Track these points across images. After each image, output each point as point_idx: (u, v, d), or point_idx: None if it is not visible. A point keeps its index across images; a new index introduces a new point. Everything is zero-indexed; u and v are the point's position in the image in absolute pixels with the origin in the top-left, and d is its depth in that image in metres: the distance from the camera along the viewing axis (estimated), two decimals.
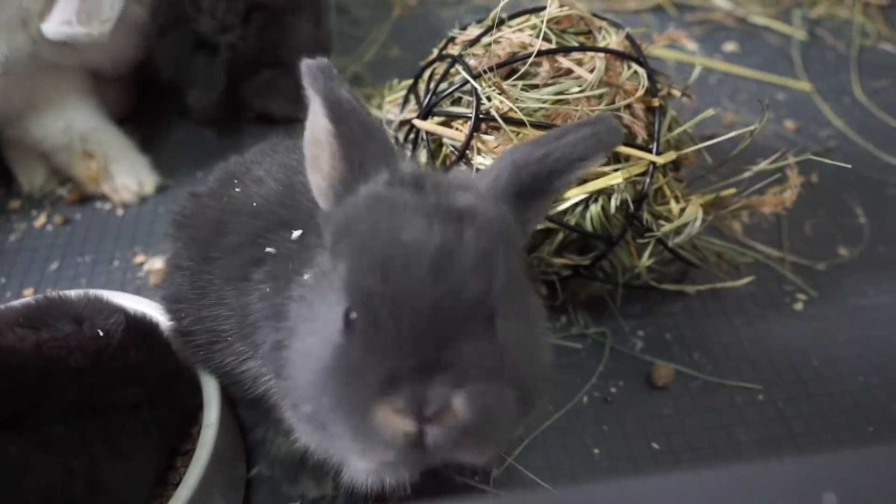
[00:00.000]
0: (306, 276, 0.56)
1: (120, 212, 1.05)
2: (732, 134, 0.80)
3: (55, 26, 0.91)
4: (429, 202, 0.49)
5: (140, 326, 0.64)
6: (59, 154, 1.06)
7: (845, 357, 0.86)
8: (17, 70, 0.96)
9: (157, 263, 0.95)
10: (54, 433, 0.58)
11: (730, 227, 0.94)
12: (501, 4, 0.79)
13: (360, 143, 0.53)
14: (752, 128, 0.79)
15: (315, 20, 1.25)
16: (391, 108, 0.88)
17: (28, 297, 0.67)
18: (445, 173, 0.57)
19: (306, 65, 0.54)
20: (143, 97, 1.20)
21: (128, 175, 1.07)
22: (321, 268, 0.53)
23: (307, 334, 0.52)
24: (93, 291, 0.67)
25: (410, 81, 0.87)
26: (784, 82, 1.27)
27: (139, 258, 0.97)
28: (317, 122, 0.54)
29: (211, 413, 0.66)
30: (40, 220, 1.04)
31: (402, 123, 0.83)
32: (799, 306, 0.91)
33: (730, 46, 1.36)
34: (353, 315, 0.47)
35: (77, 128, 1.05)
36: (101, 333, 0.60)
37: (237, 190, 0.67)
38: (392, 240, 0.47)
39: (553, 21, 0.81)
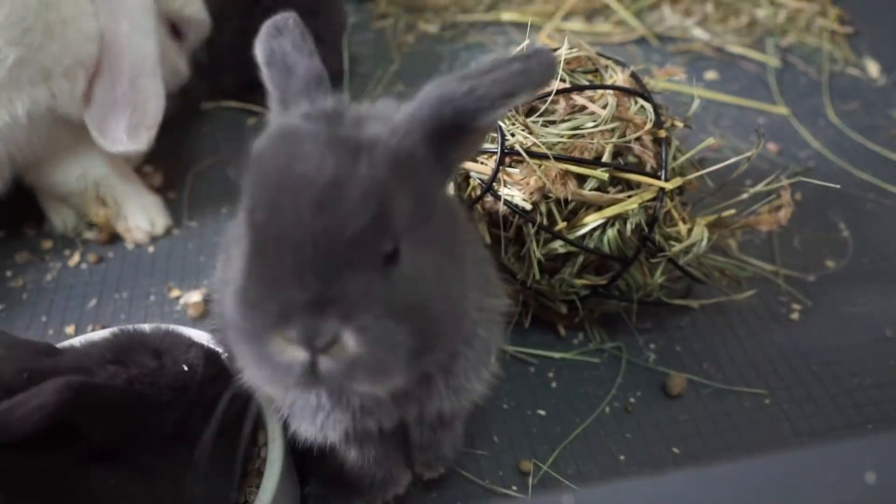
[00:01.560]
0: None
1: (151, 249, 1.09)
2: (732, 160, 0.88)
3: (107, 145, 0.97)
4: (332, 133, 0.48)
5: (213, 358, 0.69)
6: (73, 198, 1.10)
7: (840, 360, 0.94)
8: (39, 122, 0.99)
9: (193, 297, 1.00)
10: (145, 463, 0.62)
11: (727, 245, 1.02)
12: (518, 49, 0.86)
13: (283, 79, 0.55)
14: (749, 154, 0.88)
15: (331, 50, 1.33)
16: None
17: (103, 331, 0.71)
18: (371, 106, 0.56)
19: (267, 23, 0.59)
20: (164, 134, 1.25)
21: (140, 216, 1.10)
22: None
23: (229, 269, 0.55)
24: (164, 325, 0.71)
25: None
26: (763, 107, 1.37)
27: (174, 292, 1.02)
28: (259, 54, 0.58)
29: (274, 431, 0.71)
30: (74, 259, 1.08)
31: None
32: (795, 315, 0.99)
33: (710, 75, 1.46)
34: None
35: (92, 174, 1.09)
36: (186, 368, 0.65)
37: None
38: (285, 171, 0.47)
39: (564, 62, 0.88)
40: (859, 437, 0.84)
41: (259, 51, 0.58)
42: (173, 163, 1.22)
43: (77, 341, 0.73)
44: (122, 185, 1.10)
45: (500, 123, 0.82)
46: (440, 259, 0.52)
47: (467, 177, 0.86)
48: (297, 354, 0.47)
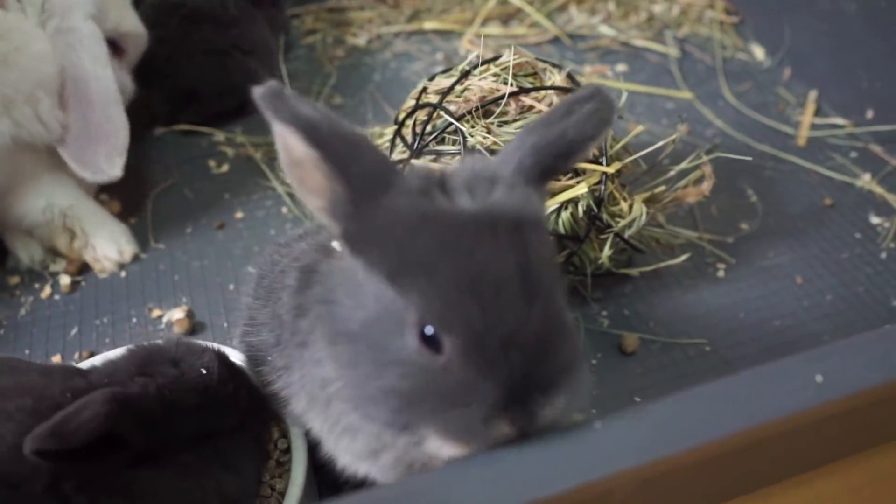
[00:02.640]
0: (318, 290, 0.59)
1: (123, 274, 1.12)
2: (660, 143, 1.01)
3: (90, 176, 1.01)
4: (478, 210, 0.50)
5: (224, 359, 0.75)
6: (39, 230, 1.12)
7: (763, 307, 1.09)
8: (3, 154, 1.01)
9: (176, 314, 1.04)
10: (186, 461, 0.68)
11: (658, 218, 1.16)
12: (469, 58, 0.96)
13: (351, 158, 0.51)
14: (674, 136, 1.01)
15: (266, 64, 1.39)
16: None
17: (119, 349, 0.75)
18: (462, 167, 0.56)
19: (259, 94, 0.51)
20: None
21: (108, 245, 1.13)
22: (356, 284, 0.53)
23: (361, 353, 0.52)
24: (175, 336, 0.77)
25: (392, 128, 1.02)
26: (669, 93, 1.52)
27: (156, 312, 1.06)
28: (294, 149, 0.52)
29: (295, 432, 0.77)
30: (45, 291, 1.09)
31: (398, 162, 0.98)
32: (721, 273, 1.14)
33: (620, 67, 1.60)
34: (431, 332, 0.49)
35: (58, 204, 1.10)
36: (204, 371, 0.71)
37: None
38: (468, 261, 0.48)
39: (508, 67, 0.99)
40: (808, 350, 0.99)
41: (291, 127, 0.51)
42: (129, 189, 1.25)
43: (97, 360, 0.77)
44: (89, 215, 1.12)
45: (461, 126, 0.91)
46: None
47: None
48: (511, 432, 0.49)
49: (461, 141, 0.91)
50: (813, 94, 1.47)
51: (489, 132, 0.90)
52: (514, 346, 0.48)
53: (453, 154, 0.92)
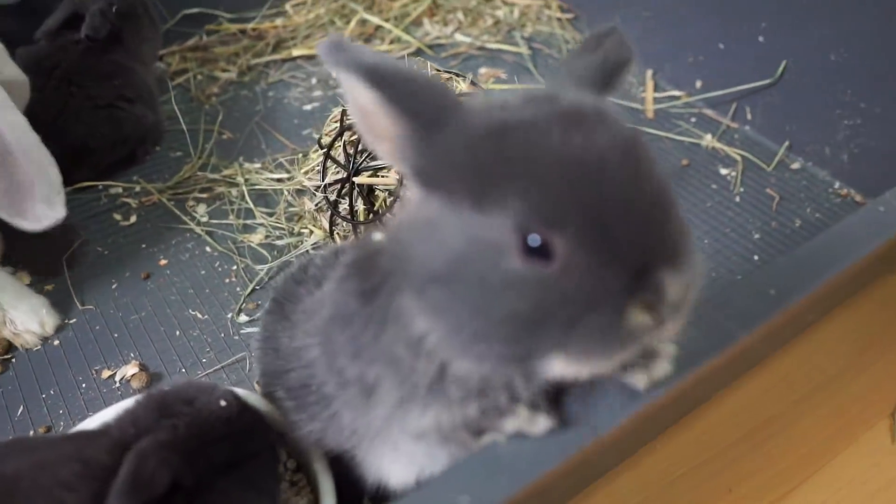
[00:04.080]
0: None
1: (56, 342, 1.08)
2: None
3: (33, 226, 0.96)
4: (557, 106, 0.48)
5: (234, 394, 0.78)
6: None
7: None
8: None
9: (129, 370, 1.02)
10: (224, 489, 0.71)
11: None
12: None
13: (412, 93, 0.50)
14: None
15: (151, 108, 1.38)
16: (312, 175, 1.08)
17: (124, 402, 0.75)
18: (515, 94, 0.53)
19: (324, 48, 0.51)
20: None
21: (29, 319, 1.08)
22: (432, 228, 0.51)
23: (453, 278, 0.49)
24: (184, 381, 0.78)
25: (320, 153, 1.07)
26: (531, 88, 1.68)
27: (106, 373, 1.03)
28: (359, 96, 0.51)
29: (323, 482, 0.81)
30: None
31: (332, 184, 1.04)
32: None
33: (483, 70, 1.74)
34: (536, 241, 0.46)
35: None
36: (224, 403, 0.74)
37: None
38: (562, 150, 0.46)
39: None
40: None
41: (351, 73, 0.51)
42: (35, 256, 1.20)
43: (101, 418, 0.77)
44: (4, 291, 1.07)
45: None
46: None
47: (372, 190, 1.02)
48: (643, 321, 0.47)
49: None
50: (650, 73, 1.69)
51: None
52: (630, 222, 0.45)
53: (387, 167, 0.99)
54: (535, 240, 0.46)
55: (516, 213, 0.46)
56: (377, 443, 0.66)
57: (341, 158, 1.03)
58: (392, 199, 0.99)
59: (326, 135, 1.07)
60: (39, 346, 1.08)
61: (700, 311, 0.51)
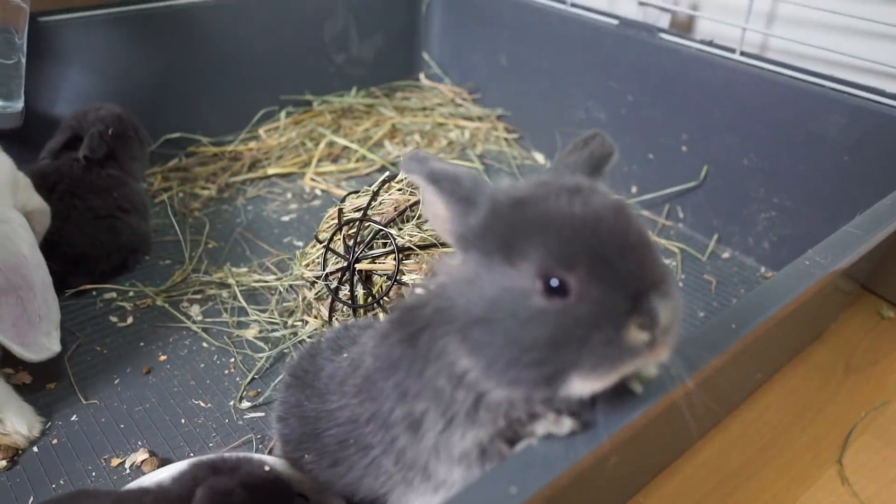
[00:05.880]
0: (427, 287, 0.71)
1: (55, 440, 1.11)
2: None
3: (34, 357, 1.02)
4: (562, 182, 0.63)
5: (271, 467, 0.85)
6: None
7: None
8: None
9: (139, 456, 1.06)
10: None
11: None
12: (379, 180, 1.18)
13: (456, 186, 0.65)
14: None
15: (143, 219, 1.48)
16: (312, 267, 1.19)
17: (174, 465, 0.80)
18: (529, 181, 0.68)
19: (407, 159, 0.69)
20: None
21: (18, 420, 1.10)
22: (470, 281, 0.63)
23: (488, 320, 0.60)
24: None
25: (319, 246, 1.19)
26: None
27: (115, 461, 1.07)
28: (424, 191, 0.67)
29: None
30: None
31: (333, 273, 1.15)
32: None
33: None
34: (555, 282, 0.58)
35: None
36: (268, 469, 0.81)
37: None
38: (569, 207, 0.59)
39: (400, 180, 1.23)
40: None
41: (421, 177, 0.67)
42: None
43: (154, 479, 0.82)
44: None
45: (389, 231, 1.12)
46: None
47: (369, 277, 1.14)
48: (645, 336, 0.58)
49: (393, 243, 1.11)
50: None
51: (420, 231, 1.12)
52: (626, 259, 0.58)
53: (387, 254, 1.12)
54: (554, 282, 0.58)
55: (538, 263, 0.59)
56: (417, 481, 0.75)
57: (340, 250, 1.15)
58: (389, 283, 1.11)
59: (323, 231, 1.20)
60: (34, 449, 1.10)
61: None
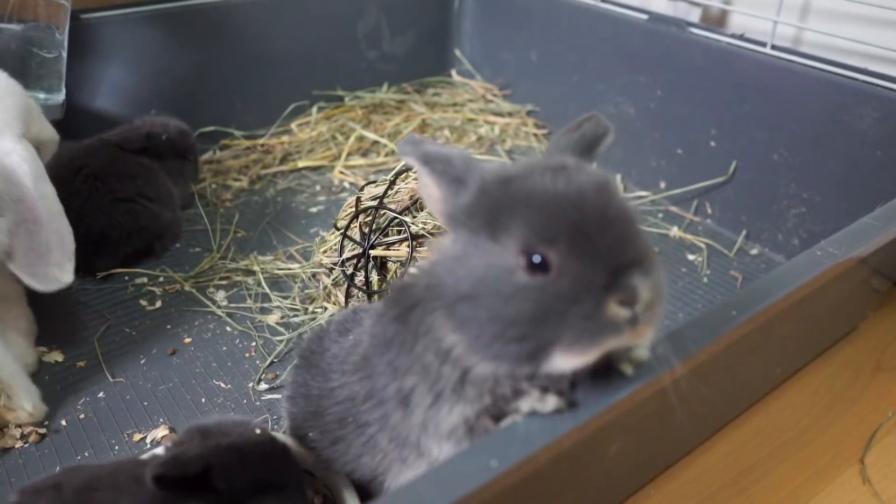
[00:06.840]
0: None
1: (82, 415, 1.15)
2: None
3: (44, 286, 1.03)
4: (547, 161, 0.64)
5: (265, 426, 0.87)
6: None
7: None
8: None
9: (159, 432, 1.10)
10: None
11: None
12: (394, 171, 1.21)
13: (448, 167, 0.67)
14: None
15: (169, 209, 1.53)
16: (330, 253, 1.22)
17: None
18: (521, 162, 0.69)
19: (401, 143, 0.71)
20: (44, 314, 1.31)
21: (25, 398, 1.12)
22: (458, 259, 0.64)
23: (474, 296, 0.61)
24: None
25: (338, 234, 1.22)
26: None
27: (137, 436, 1.11)
28: (421, 173, 0.69)
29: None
30: (6, 442, 1.09)
31: (349, 259, 1.18)
32: None
33: None
34: (537, 258, 0.58)
35: None
36: (259, 431, 0.83)
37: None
38: (552, 185, 0.60)
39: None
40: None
41: (415, 159, 0.69)
42: (67, 338, 1.29)
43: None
44: (12, 370, 1.11)
45: (404, 219, 1.14)
46: None
47: (384, 264, 1.16)
48: (627, 312, 0.58)
49: (407, 230, 1.13)
50: (619, 177, 1.90)
51: (431, 219, 1.14)
52: (607, 236, 0.58)
53: (401, 241, 1.14)
54: (536, 258, 0.59)
55: (520, 238, 0.60)
56: (411, 459, 0.76)
57: (356, 238, 1.17)
58: (403, 269, 1.12)
59: (342, 219, 1.22)
60: (63, 422, 1.14)
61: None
